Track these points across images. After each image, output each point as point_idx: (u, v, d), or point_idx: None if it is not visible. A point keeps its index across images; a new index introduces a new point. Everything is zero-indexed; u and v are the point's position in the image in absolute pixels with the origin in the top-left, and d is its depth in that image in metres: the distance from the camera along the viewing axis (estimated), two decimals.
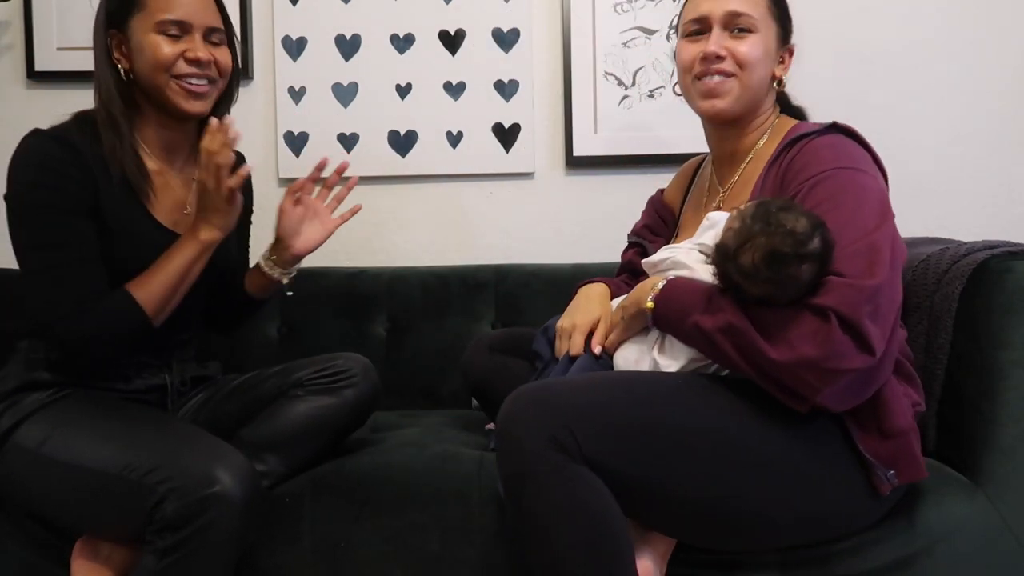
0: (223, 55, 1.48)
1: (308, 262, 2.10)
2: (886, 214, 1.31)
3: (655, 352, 1.34)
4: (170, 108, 1.45)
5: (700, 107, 1.48)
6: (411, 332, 2.07)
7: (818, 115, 2.25)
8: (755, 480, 1.24)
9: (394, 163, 2.27)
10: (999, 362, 1.44)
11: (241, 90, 2.29)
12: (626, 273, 1.67)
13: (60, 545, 1.41)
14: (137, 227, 1.43)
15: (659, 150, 2.19)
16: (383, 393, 1.60)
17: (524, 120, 2.26)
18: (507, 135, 2.27)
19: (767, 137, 1.49)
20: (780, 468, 1.25)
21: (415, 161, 2.27)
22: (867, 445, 1.27)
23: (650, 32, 2.24)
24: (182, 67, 1.42)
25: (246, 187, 1.68)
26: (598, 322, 1.46)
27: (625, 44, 2.22)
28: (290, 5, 2.25)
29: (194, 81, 1.44)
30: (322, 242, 1.63)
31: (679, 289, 1.31)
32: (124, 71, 1.44)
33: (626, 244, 1.72)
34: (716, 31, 1.44)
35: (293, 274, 1.64)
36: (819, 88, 2.28)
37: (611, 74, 2.23)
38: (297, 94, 2.25)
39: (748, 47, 1.44)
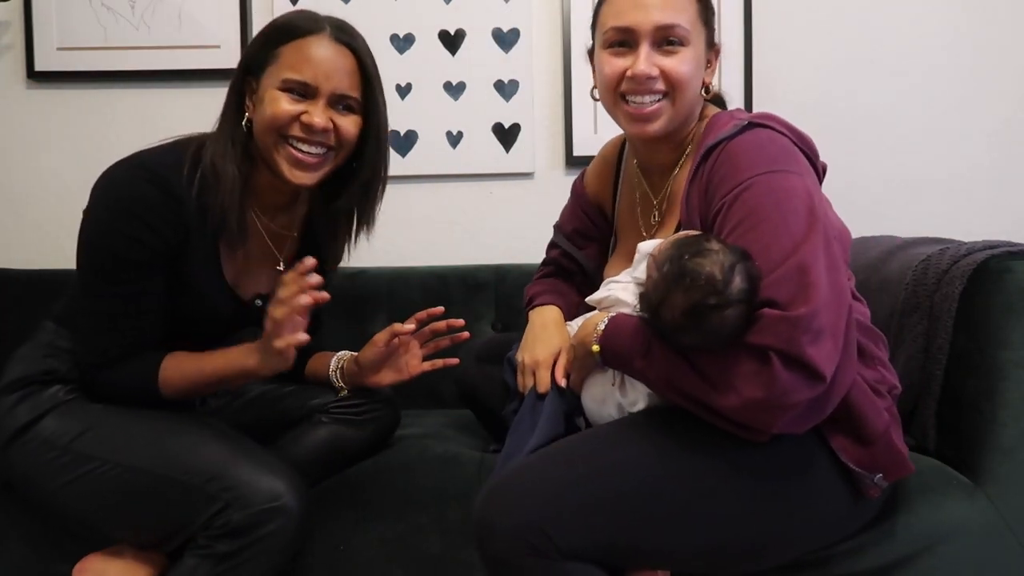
0: (348, 123, 1.33)
1: None
2: (814, 215, 1.17)
3: (617, 395, 1.29)
4: (275, 171, 1.34)
5: (629, 131, 1.36)
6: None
7: (818, 115, 2.26)
8: (742, 512, 1.19)
9: (394, 163, 2.24)
10: (999, 362, 1.44)
11: None
12: (559, 279, 1.59)
13: (64, 544, 1.41)
14: (203, 280, 1.37)
15: None
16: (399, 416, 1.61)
17: (524, 120, 2.26)
18: (507, 135, 2.27)
19: (692, 145, 1.37)
20: (764, 495, 1.20)
21: (415, 161, 2.27)
22: (850, 456, 1.21)
23: None
24: (295, 130, 1.31)
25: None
26: (559, 353, 1.38)
27: None
28: (290, 5, 2.25)
29: (304, 148, 1.31)
30: (395, 383, 1.52)
31: (620, 331, 1.24)
32: (247, 120, 1.34)
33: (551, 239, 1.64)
34: (645, 47, 1.29)
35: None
36: (819, 88, 2.28)
37: None
38: None
39: (680, 63, 1.29)
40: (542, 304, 1.52)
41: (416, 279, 2.11)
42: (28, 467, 1.35)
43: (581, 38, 2.22)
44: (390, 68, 2.25)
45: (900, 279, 1.59)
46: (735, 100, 2.23)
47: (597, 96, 1.40)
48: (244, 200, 1.35)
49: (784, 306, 1.09)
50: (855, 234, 1.95)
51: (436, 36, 2.26)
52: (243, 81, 1.36)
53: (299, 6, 2.24)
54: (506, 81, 2.26)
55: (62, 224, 2.28)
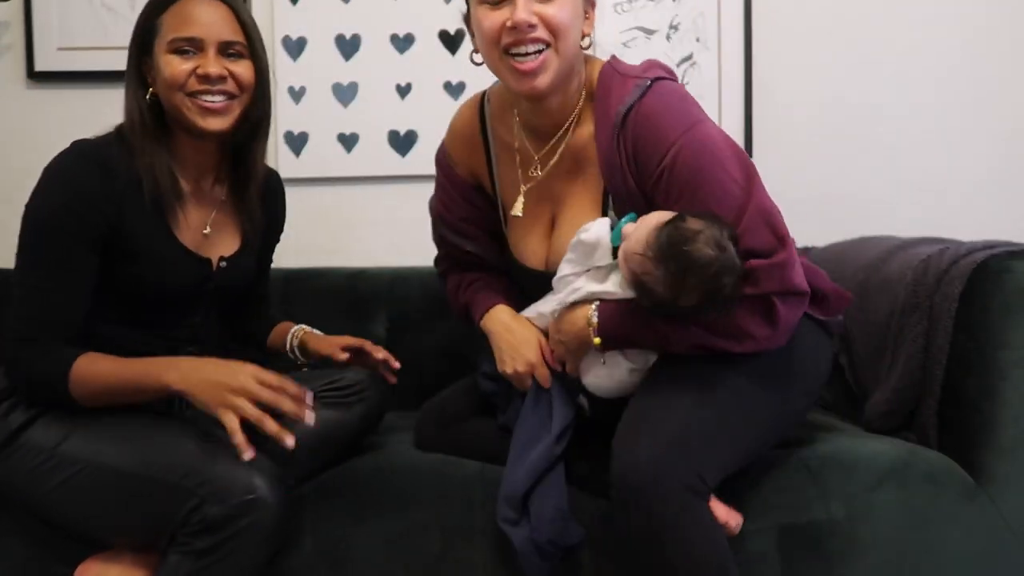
0: (242, 68, 1.41)
1: (308, 262, 2.11)
2: (738, 155, 1.30)
3: (626, 364, 1.37)
4: (188, 126, 1.40)
5: (518, 87, 1.33)
6: (411, 332, 2.07)
7: (818, 115, 2.26)
8: (782, 406, 1.36)
9: (394, 163, 2.27)
10: (999, 362, 1.44)
11: None
12: (472, 273, 1.56)
13: (64, 545, 1.41)
14: (160, 248, 1.40)
15: None
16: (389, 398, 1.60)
17: None
18: None
19: (583, 101, 1.39)
20: (794, 379, 1.36)
21: (415, 161, 2.27)
22: (820, 313, 1.39)
23: (650, 32, 2.24)
24: (193, 84, 1.38)
25: (279, 207, 1.67)
26: (541, 345, 1.43)
27: (625, 44, 2.22)
28: (290, 5, 2.25)
29: (207, 98, 1.38)
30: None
31: (616, 319, 1.31)
32: (151, 94, 1.42)
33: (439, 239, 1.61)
34: None
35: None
36: (819, 89, 2.28)
37: None
38: (297, 94, 2.25)
39: (558, 9, 1.28)
40: (487, 308, 1.51)
41: (416, 279, 2.11)
42: (18, 475, 1.35)
43: None
44: (390, 68, 2.25)
45: (900, 279, 1.59)
46: (735, 101, 2.23)
47: (478, 59, 1.40)
48: (170, 162, 1.42)
49: (767, 253, 1.24)
50: (855, 234, 1.97)
51: (436, 36, 2.26)
52: (139, 62, 1.43)
53: (299, 7, 2.24)
54: None
55: None
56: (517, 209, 1.44)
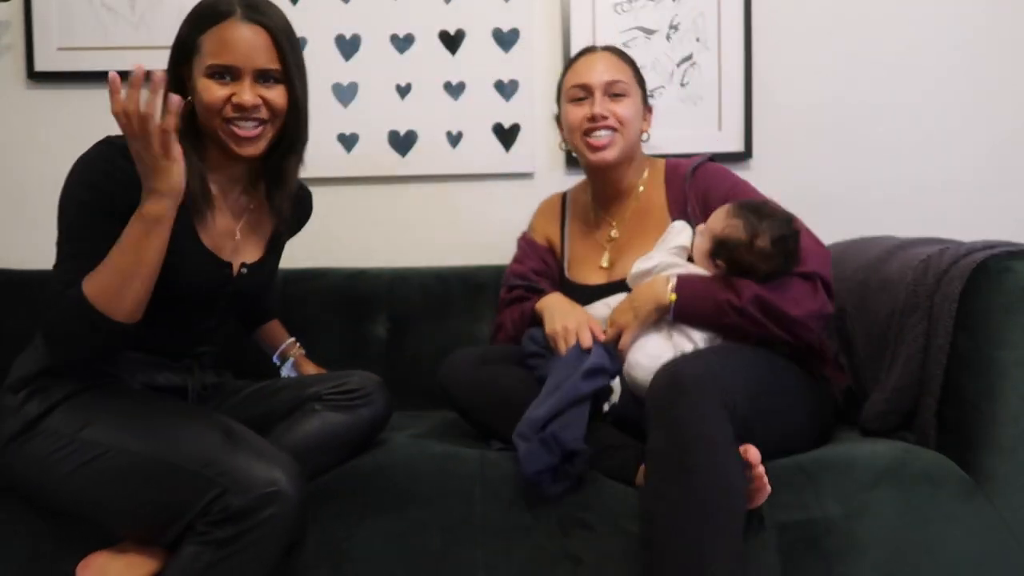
0: (276, 94, 1.44)
1: (308, 262, 2.11)
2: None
3: (689, 344, 1.53)
4: (223, 146, 1.45)
5: (591, 160, 1.76)
6: (411, 332, 2.07)
7: (818, 116, 2.26)
8: (803, 406, 1.54)
9: (394, 163, 2.28)
10: (999, 362, 1.44)
11: None
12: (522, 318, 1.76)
13: (67, 543, 1.41)
14: (183, 247, 1.41)
15: (658, 150, 2.19)
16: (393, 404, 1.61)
17: (524, 120, 2.27)
18: (507, 135, 2.27)
19: (647, 175, 1.82)
20: (811, 398, 1.56)
21: (415, 161, 2.28)
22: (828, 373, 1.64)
23: (650, 32, 2.25)
24: (229, 111, 1.41)
25: (303, 216, 1.74)
26: (589, 323, 1.61)
27: (625, 44, 2.23)
28: (290, 5, 2.25)
29: (241, 124, 1.42)
30: None
31: (693, 280, 1.56)
32: (190, 103, 1.44)
33: (509, 290, 1.83)
34: (598, 96, 1.74)
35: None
36: (820, 88, 2.29)
37: None
38: None
39: (624, 108, 1.75)
40: (542, 297, 1.74)
41: (416, 279, 2.11)
42: (32, 462, 1.36)
43: (581, 38, 2.23)
44: (390, 68, 2.25)
45: (900, 279, 1.59)
46: (735, 101, 2.24)
47: (564, 146, 1.87)
48: (202, 168, 1.45)
49: (816, 246, 1.61)
50: (855, 234, 1.97)
51: (436, 36, 2.26)
52: (178, 71, 1.46)
53: (299, 7, 2.24)
54: (506, 81, 2.26)
55: None
56: (604, 261, 1.80)
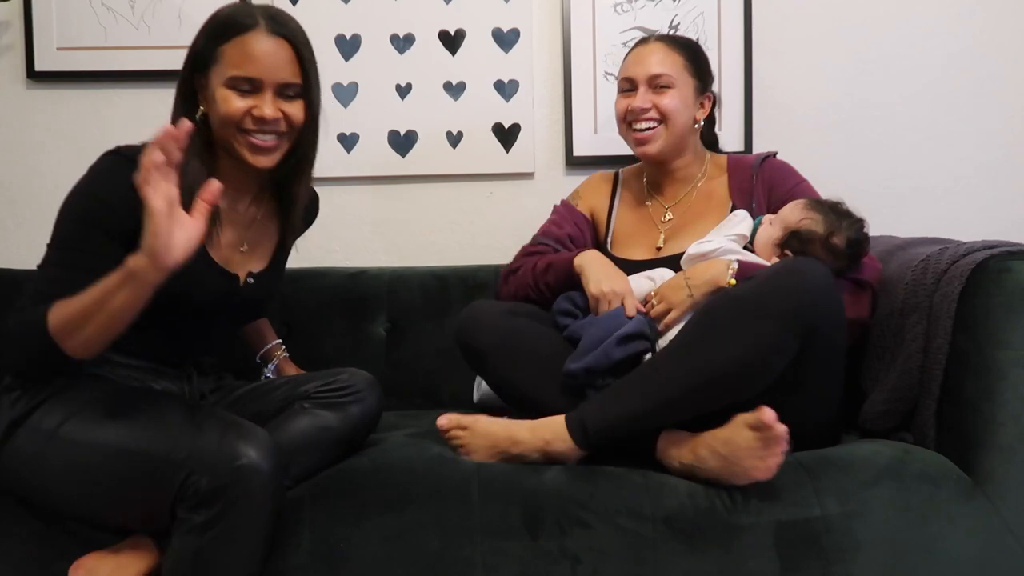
0: (295, 109, 1.43)
1: (308, 262, 2.11)
2: None
3: None
4: (236, 157, 1.44)
5: (635, 151, 1.82)
6: (411, 332, 2.07)
7: (821, 115, 2.26)
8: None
9: (394, 163, 2.28)
10: (999, 362, 1.44)
11: None
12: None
13: (62, 544, 1.41)
14: (191, 262, 1.32)
15: None
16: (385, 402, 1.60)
17: (524, 120, 2.27)
18: (507, 135, 2.27)
19: (708, 167, 1.86)
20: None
21: (415, 161, 2.28)
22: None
23: (650, 32, 2.24)
24: (248, 123, 1.41)
25: (309, 221, 1.73)
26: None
27: (625, 44, 2.22)
28: (290, 5, 2.25)
29: (260, 136, 1.42)
30: None
31: (755, 268, 1.55)
32: (202, 113, 1.44)
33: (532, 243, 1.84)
34: (642, 89, 1.78)
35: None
36: (820, 88, 2.28)
37: (611, 74, 2.23)
38: None
39: (669, 99, 1.77)
40: (580, 253, 1.70)
41: (416, 279, 2.11)
42: (23, 463, 1.36)
43: (581, 38, 2.23)
44: (390, 68, 2.25)
45: (899, 279, 1.59)
46: (735, 101, 2.24)
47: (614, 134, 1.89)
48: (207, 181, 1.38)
49: (871, 258, 1.64)
50: None
51: (436, 36, 2.26)
52: (192, 78, 1.44)
53: (299, 7, 2.24)
54: (506, 81, 2.26)
55: None
56: (660, 241, 1.81)
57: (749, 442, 1.34)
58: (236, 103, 1.39)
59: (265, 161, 1.44)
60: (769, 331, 1.37)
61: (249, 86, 1.40)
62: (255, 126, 1.41)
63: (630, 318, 1.54)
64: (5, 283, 2.10)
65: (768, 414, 1.32)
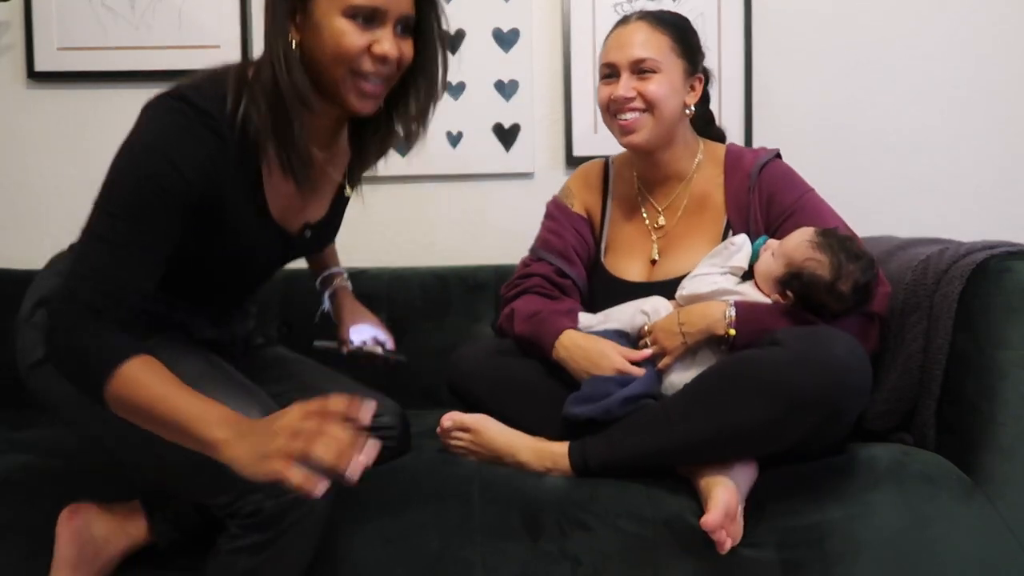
0: (407, 47, 1.25)
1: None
2: (837, 214, 1.64)
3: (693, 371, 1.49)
4: (339, 102, 1.25)
5: (620, 142, 1.67)
6: (411, 332, 2.07)
7: (821, 115, 2.26)
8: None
9: (394, 163, 2.26)
10: (999, 362, 1.44)
11: None
12: (552, 300, 1.67)
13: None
14: (250, 223, 1.28)
15: None
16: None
17: (524, 120, 2.27)
18: (507, 135, 2.27)
19: (700, 161, 1.71)
20: None
21: (415, 161, 2.26)
22: None
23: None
24: (366, 64, 1.22)
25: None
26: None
27: None
28: None
29: (372, 81, 1.23)
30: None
31: (753, 315, 1.48)
32: (297, 43, 1.22)
33: (532, 257, 1.75)
34: (624, 76, 1.62)
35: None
36: (820, 88, 2.28)
37: None
38: None
39: (655, 85, 1.61)
40: (557, 333, 1.57)
41: (416, 279, 2.11)
42: (68, 395, 1.21)
43: (581, 38, 2.23)
44: None
45: (900, 279, 1.59)
46: (735, 101, 2.24)
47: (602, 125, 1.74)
48: (306, 138, 1.26)
49: (879, 286, 1.51)
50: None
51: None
52: (292, 9, 1.22)
53: None
54: (506, 81, 2.26)
55: (62, 224, 2.27)
56: (655, 253, 1.69)
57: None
58: (355, 38, 1.19)
59: (369, 107, 1.25)
60: (786, 414, 1.32)
61: (371, 15, 1.20)
62: (372, 67, 1.22)
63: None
64: (5, 283, 2.10)
65: (711, 521, 1.29)
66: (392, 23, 1.22)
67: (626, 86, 1.62)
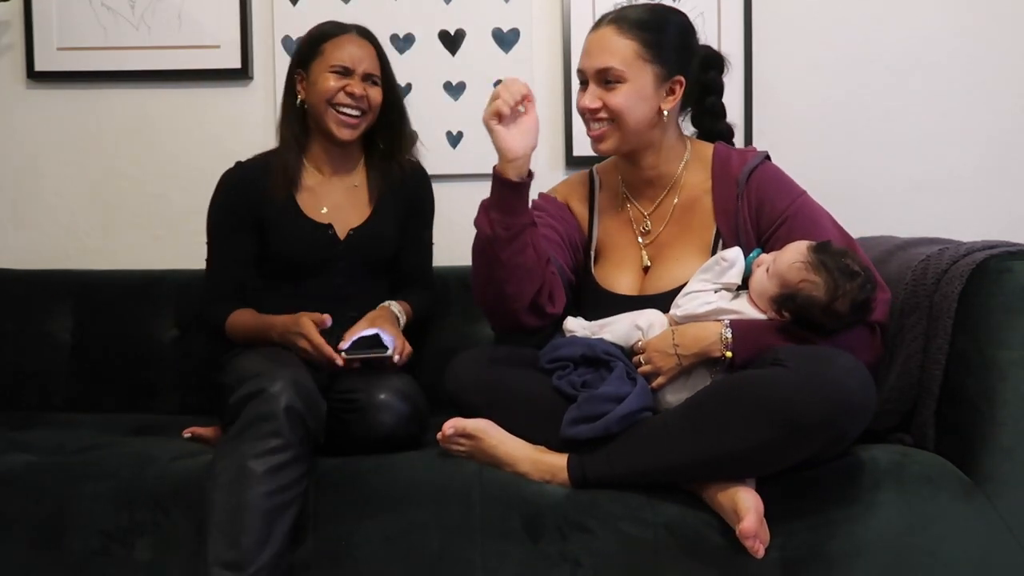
0: (375, 93, 1.86)
1: None
2: (835, 220, 1.62)
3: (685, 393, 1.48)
4: (326, 132, 1.85)
5: (593, 148, 1.64)
6: (410, 332, 2.06)
7: (818, 116, 2.26)
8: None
9: None
10: (999, 362, 1.44)
11: (241, 90, 2.31)
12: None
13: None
14: (290, 224, 1.84)
15: None
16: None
17: None
18: None
19: (689, 162, 1.67)
20: None
21: None
22: None
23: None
24: (341, 98, 1.81)
25: (418, 194, 2.00)
26: None
27: None
28: (290, 5, 2.25)
29: (346, 111, 1.82)
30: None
31: (750, 336, 1.46)
32: (301, 101, 1.87)
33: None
34: (591, 86, 1.59)
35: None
36: (820, 88, 2.28)
37: None
38: None
39: (618, 97, 1.56)
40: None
41: None
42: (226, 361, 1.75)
43: (581, 38, 2.22)
44: None
45: (900, 279, 1.59)
46: (735, 101, 2.23)
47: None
48: (301, 158, 1.89)
49: (879, 292, 1.48)
50: (855, 234, 1.96)
51: (436, 36, 2.26)
52: (294, 76, 1.88)
53: (299, 7, 2.24)
54: None
55: (62, 224, 2.28)
56: (645, 260, 1.66)
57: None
58: (333, 83, 1.81)
59: (347, 134, 1.83)
60: (790, 437, 1.31)
61: (344, 71, 1.82)
62: (346, 100, 1.81)
63: (631, 377, 1.49)
64: (5, 283, 2.10)
65: (750, 528, 1.31)
66: (359, 75, 1.83)
67: (592, 96, 1.58)
